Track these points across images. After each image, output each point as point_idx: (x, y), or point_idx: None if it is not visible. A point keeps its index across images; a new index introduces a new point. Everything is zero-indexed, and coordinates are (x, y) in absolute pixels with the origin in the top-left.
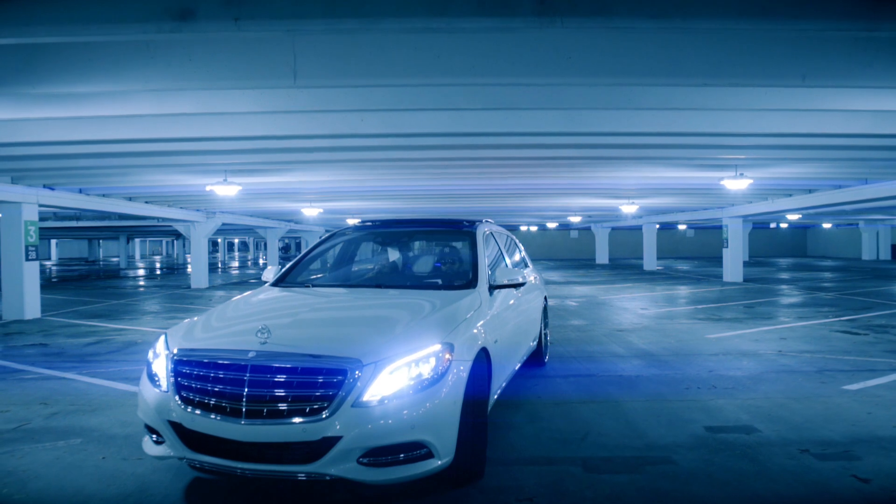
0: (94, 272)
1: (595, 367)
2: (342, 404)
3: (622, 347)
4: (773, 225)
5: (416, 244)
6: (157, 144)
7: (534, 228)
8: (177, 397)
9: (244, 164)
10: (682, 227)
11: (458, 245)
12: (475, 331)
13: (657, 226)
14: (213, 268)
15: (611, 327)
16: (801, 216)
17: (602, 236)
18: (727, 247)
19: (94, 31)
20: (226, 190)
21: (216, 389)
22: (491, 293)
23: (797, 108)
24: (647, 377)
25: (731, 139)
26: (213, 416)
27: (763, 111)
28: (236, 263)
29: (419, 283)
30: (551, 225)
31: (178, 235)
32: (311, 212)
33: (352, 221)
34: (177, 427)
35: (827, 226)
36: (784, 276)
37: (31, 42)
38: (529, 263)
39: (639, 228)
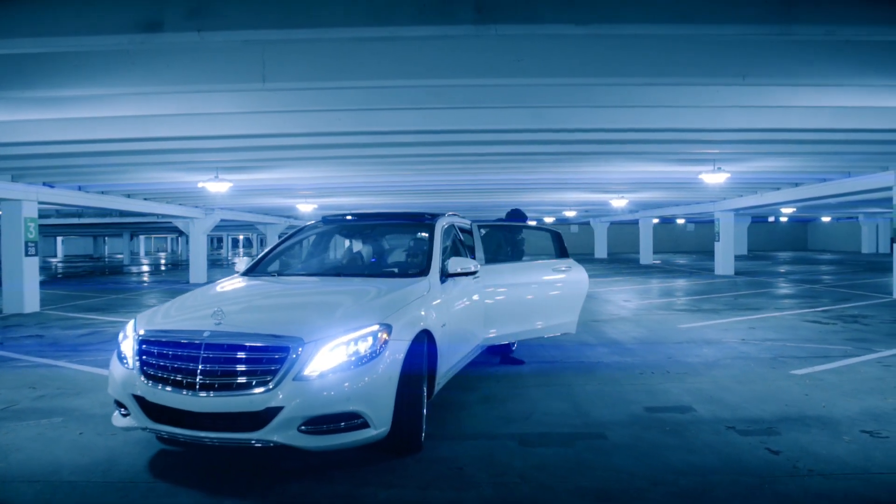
0: (97, 268)
1: (560, 354)
2: (285, 378)
3: (593, 337)
4: (771, 219)
5: (380, 236)
6: (146, 143)
7: (532, 223)
8: (140, 373)
9: (233, 162)
10: (680, 221)
11: (419, 237)
12: (418, 313)
13: (656, 220)
14: (215, 263)
15: (588, 318)
16: (795, 209)
17: (601, 231)
18: (718, 240)
19: (71, 43)
20: (217, 186)
21: (175, 366)
22: (444, 281)
23: (759, 105)
24: (606, 363)
25: (696, 134)
26: (171, 390)
27: (724, 108)
28: (237, 259)
29: (377, 272)
30: (549, 220)
31: (181, 232)
32: (305, 207)
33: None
34: (140, 400)
35: (826, 219)
36: (777, 269)
37: (17, 52)
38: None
39: (638, 223)
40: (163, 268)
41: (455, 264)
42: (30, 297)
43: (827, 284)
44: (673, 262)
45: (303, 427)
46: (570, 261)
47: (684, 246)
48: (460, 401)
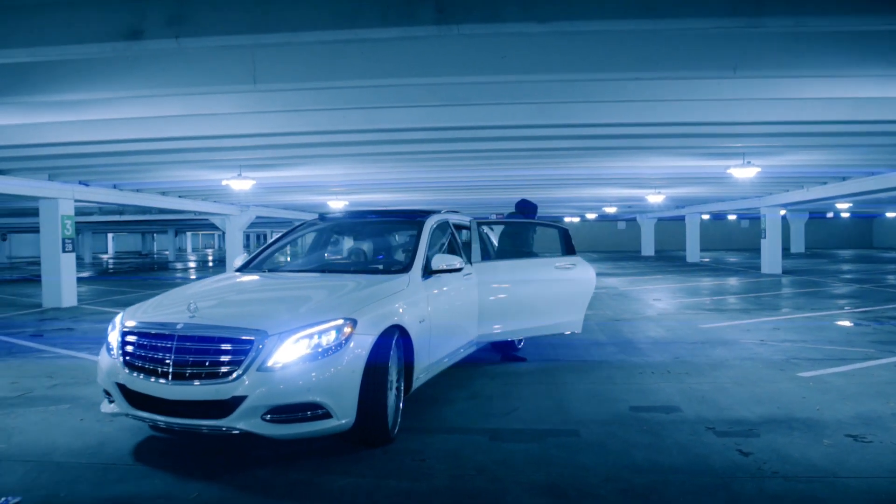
0: (142, 265)
1: (567, 353)
2: (249, 368)
3: (606, 336)
4: (830, 214)
5: (373, 233)
6: (165, 143)
7: (576, 219)
8: (123, 363)
9: (253, 160)
10: (731, 217)
11: (409, 234)
12: (390, 309)
13: (705, 216)
14: None
15: (610, 317)
16: (851, 204)
17: (647, 227)
18: (765, 237)
19: (60, 52)
20: (240, 184)
21: (151, 356)
22: (427, 277)
23: (772, 98)
24: (610, 363)
25: (705, 128)
26: (147, 378)
27: (733, 101)
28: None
29: (363, 268)
30: (590, 216)
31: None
32: (336, 204)
33: None
34: (122, 388)
35: (892, 215)
36: (830, 267)
37: (20, 61)
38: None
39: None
40: (203, 264)
41: (439, 261)
42: (67, 292)
43: (879, 284)
44: (722, 259)
45: (267, 416)
46: (577, 258)
47: (737, 243)
48: (447, 397)
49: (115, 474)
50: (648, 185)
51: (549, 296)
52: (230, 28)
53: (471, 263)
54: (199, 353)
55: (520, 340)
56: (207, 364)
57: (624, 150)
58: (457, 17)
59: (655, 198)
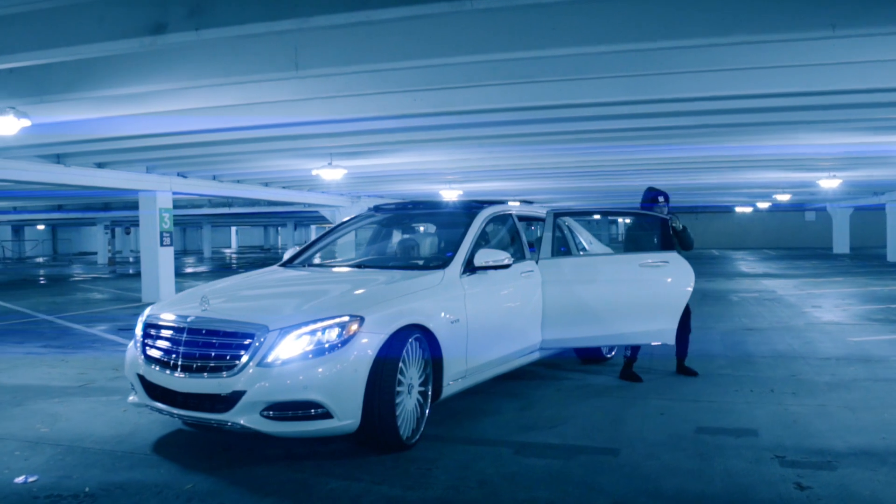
0: (259, 260)
1: (661, 364)
2: (249, 363)
3: (723, 347)
4: None
5: (425, 227)
6: (236, 133)
7: (747, 209)
8: (143, 355)
9: (338, 147)
10: None
11: (458, 228)
12: (411, 306)
13: None
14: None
15: (742, 326)
16: None
17: (841, 219)
18: None
19: (96, 49)
20: (331, 173)
21: (165, 348)
22: (470, 274)
23: None
24: (706, 377)
25: (836, 97)
26: (160, 370)
27: (859, 64)
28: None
29: (401, 263)
30: (762, 205)
31: None
32: (449, 194)
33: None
34: (141, 379)
35: None
36: None
37: (49, 62)
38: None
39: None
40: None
41: (482, 257)
42: (165, 287)
43: None
44: None
45: (266, 412)
46: (671, 254)
47: None
48: (494, 406)
49: (128, 462)
50: (813, 167)
51: (628, 299)
52: (245, 17)
53: (536, 260)
54: (205, 346)
55: (610, 349)
56: (213, 357)
57: (755, 126)
58: None
59: (829, 182)
